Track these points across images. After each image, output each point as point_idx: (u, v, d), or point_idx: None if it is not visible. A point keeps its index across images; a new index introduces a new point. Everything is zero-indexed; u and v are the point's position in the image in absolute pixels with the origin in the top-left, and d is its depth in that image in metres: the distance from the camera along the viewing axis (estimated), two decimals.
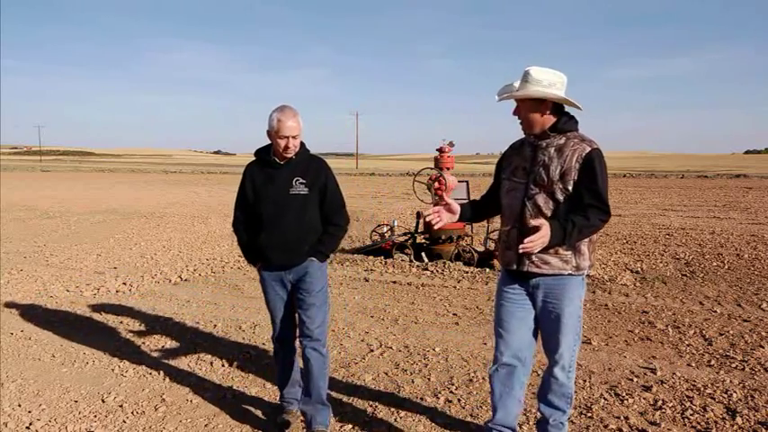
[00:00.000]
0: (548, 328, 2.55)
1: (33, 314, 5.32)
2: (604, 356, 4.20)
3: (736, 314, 5.26)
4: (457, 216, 2.62)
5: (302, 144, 2.97)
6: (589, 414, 3.26)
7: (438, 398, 3.50)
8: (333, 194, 3.03)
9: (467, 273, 6.94)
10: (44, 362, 4.13)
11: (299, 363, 3.16)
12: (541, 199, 2.41)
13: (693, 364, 4.03)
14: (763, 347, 4.35)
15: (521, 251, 2.23)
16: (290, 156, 2.91)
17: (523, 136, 2.57)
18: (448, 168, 8.01)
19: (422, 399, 3.49)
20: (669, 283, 6.53)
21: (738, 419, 3.17)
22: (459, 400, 3.48)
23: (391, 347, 4.42)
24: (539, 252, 2.36)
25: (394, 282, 6.67)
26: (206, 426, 3.18)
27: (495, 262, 7.28)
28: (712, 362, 4.07)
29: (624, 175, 45.48)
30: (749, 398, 3.45)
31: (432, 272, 7.07)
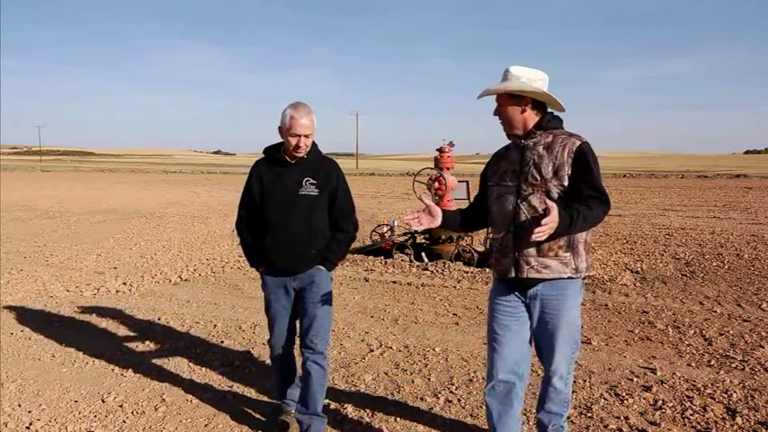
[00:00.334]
0: (546, 338, 2.44)
1: (33, 314, 5.32)
2: (604, 356, 4.20)
3: (736, 314, 5.26)
4: (439, 221, 2.49)
5: (314, 144, 2.86)
6: (589, 414, 3.26)
7: (438, 398, 3.50)
8: (343, 198, 2.92)
9: (467, 273, 6.94)
10: (44, 362, 4.13)
11: (297, 367, 3.12)
12: (536, 199, 2.32)
13: (693, 364, 4.03)
14: (763, 347, 4.35)
15: (533, 239, 2.10)
16: (300, 155, 2.79)
17: (507, 142, 2.49)
18: (448, 168, 8.01)
19: (422, 399, 3.49)
20: (669, 283, 6.54)
21: (738, 419, 3.17)
22: (459, 400, 3.48)
23: (391, 347, 4.42)
24: (538, 256, 2.32)
25: (394, 282, 6.67)
26: (206, 426, 3.18)
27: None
28: (712, 362, 4.07)
29: (624, 175, 45.49)
30: (749, 398, 3.45)
31: (432, 272, 7.07)
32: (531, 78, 2.34)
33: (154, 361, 4.13)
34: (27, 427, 3.16)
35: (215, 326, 4.99)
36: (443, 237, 7.85)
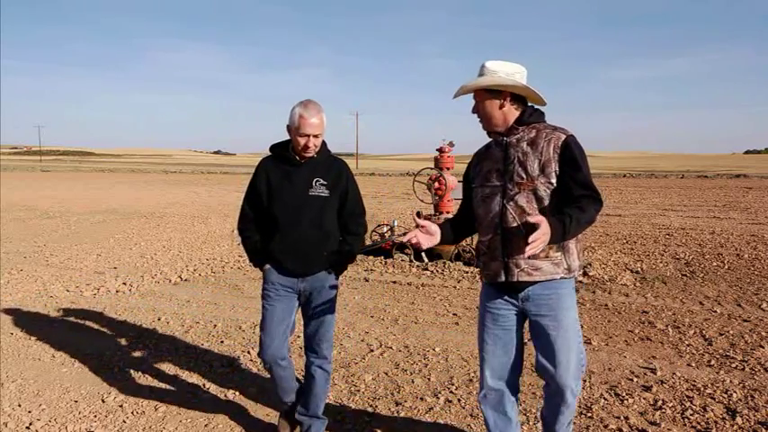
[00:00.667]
0: (546, 345, 2.26)
1: (33, 314, 5.32)
2: (604, 356, 4.20)
3: (736, 314, 5.26)
4: (438, 238, 2.34)
5: (323, 143, 2.77)
6: (589, 414, 3.26)
7: (438, 398, 3.50)
8: (354, 200, 2.85)
9: (467, 273, 6.94)
10: (44, 362, 4.13)
11: (294, 372, 2.99)
12: (523, 199, 2.20)
13: (693, 364, 4.03)
14: (763, 347, 4.35)
15: (527, 254, 1.96)
16: (309, 156, 2.71)
17: (488, 141, 2.39)
18: (448, 168, 8.01)
19: (422, 399, 3.49)
20: (669, 283, 6.53)
21: (738, 419, 3.16)
22: (459, 400, 3.48)
23: (391, 347, 4.42)
24: (527, 258, 2.18)
25: (394, 282, 6.67)
26: (206, 426, 3.18)
27: None
28: (712, 362, 4.07)
29: (624, 175, 45.49)
30: (749, 398, 3.45)
31: (432, 272, 7.07)
32: (508, 72, 2.23)
33: (154, 361, 4.13)
34: (27, 427, 3.16)
35: (215, 326, 4.99)
36: None
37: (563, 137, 2.20)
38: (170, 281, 6.78)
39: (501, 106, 2.25)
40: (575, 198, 2.16)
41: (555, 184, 2.18)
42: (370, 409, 3.35)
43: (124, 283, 6.58)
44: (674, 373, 3.84)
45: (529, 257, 2.19)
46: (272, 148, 2.86)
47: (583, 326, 4.73)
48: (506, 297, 2.31)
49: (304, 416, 2.94)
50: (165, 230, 11.43)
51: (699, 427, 3.11)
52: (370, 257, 7.87)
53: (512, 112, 2.27)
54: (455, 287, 6.36)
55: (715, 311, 5.35)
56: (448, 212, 7.93)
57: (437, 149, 8.01)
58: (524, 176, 2.20)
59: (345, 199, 2.81)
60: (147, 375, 3.86)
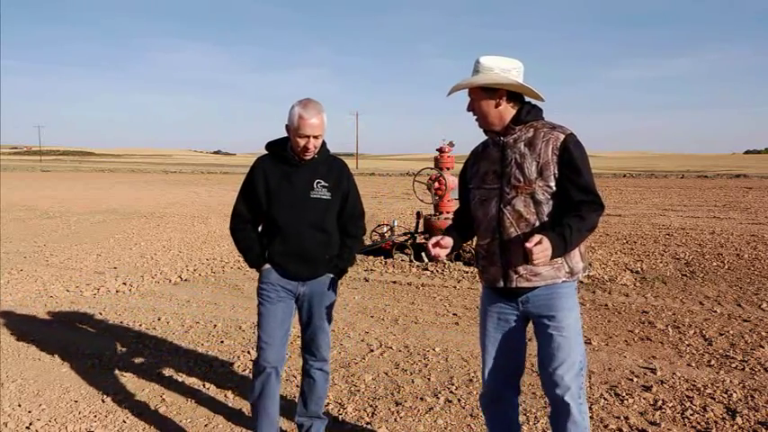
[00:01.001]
0: (547, 347, 2.19)
1: (33, 314, 5.32)
2: (604, 356, 4.20)
3: (736, 314, 5.26)
4: (450, 248, 2.29)
5: (323, 143, 2.67)
6: (589, 414, 3.26)
7: (438, 398, 3.50)
8: (354, 202, 2.77)
9: (467, 273, 6.94)
10: (44, 362, 4.13)
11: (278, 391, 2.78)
12: (520, 203, 2.12)
13: (693, 364, 4.03)
14: (763, 347, 4.35)
15: (534, 264, 1.92)
16: (309, 157, 2.61)
17: (484, 138, 2.31)
18: (448, 168, 8.01)
19: (422, 399, 3.49)
20: (669, 283, 6.54)
21: (738, 419, 3.17)
22: (459, 400, 3.48)
23: (391, 347, 4.42)
24: (526, 263, 2.09)
25: (394, 282, 6.67)
26: (206, 426, 3.18)
27: None
28: (712, 362, 4.07)
29: (624, 175, 45.49)
30: (749, 398, 3.45)
31: (432, 272, 7.07)
32: (503, 68, 2.13)
33: (154, 361, 4.13)
34: (27, 427, 3.16)
35: (215, 326, 4.99)
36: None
37: (562, 137, 2.10)
38: (170, 281, 6.78)
39: (497, 105, 2.16)
40: (574, 204, 2.09)
41: (554, 188, 2.10)
42: (370, 409, 3.35)
43: (124, 283, 6.58)
44: (674, 373, 3.84)
45: (527, 263, 2.09)
46: (269, 146, 2.73)
47: (583, 326, 4.72)
48: (506, 300, 2.25)
49: (304, 416, 2.92)
50: (165, 230, 11.43)
51: (699, 427, 3.11)
52: (370, 257, 7.87)
53: (508, 111, 2.18)
54: (455, 287, 6.36)
55: (715, 311, 5.35)
56: (448, 212, 7.93)
57: (437, 149, 8.01)
58: (522, 180, 2.12)
59: (346, 201, 2.73)
60: (147, 375, 3.86)
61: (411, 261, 7.63)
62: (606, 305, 5.59)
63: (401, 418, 3.25)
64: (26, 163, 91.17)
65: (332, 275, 2.76)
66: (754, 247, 9.02)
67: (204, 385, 3.70)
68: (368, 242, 8.90)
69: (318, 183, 2.64)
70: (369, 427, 3.16)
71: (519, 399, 2.45)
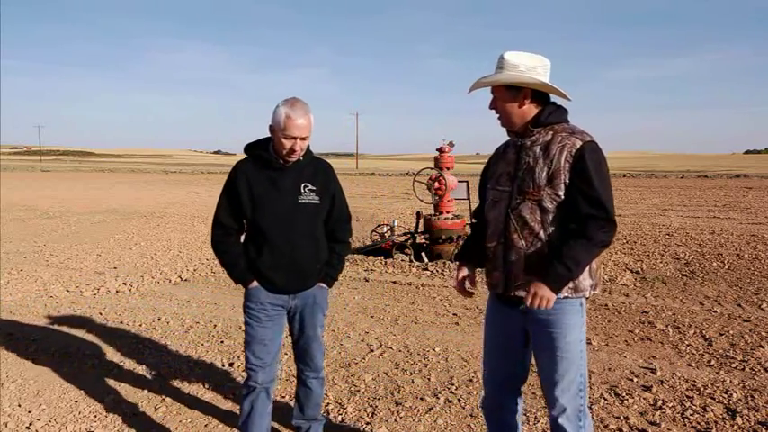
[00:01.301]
0: (544, 363, 2.14)
1: (33, 314, 5.32)
2: (604, 356, 4.20)
3: (736, 314, 5.26)
4: (469, 275, 2.35)
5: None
6: (590, 415, 3.26)
7: (438, 398, 3.50)
8: (341, 205, 2.65)
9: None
10: (44, 362, 4.12)
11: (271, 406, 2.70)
12: (527, 209, 2.03)
13: (693, 364, 4.03)
14: (763, 347, 4.35)
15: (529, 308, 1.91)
16: (293, 160, 2.47)
17: (507, 138, 2.22)
18: (448, 168, 8.02)
19: (422, 399, 3.49)
20: (669, 283, 6.54)
21: (738, 419, 3.17)
22: (459, 400, 3.48)
23: (391, 347, 4.42)
24: (527, 274, 2.05)
25: (394, 282, 6.67)
26: (206, 426, 3.18)
27: None
28: (712, 362, 4.07)
29: (624, 175, 45.48)
30: (749, 398, 3.45)
31: (432, 272, 7.07)
32: (529, 66, 2.03)
33: (154, 361, 4.13)
34: (27, 427, 3.16)
35: (215, 326, 4.99)
36: (443, 237, 7.86)
37: (578, 144, 1.98)
38: (170, 281, 6.78)
39: (520, 105, 2.07)
40: (580, 218, 1.97)
41: (562, 197, 1.99)
42: (370, 409, 3.35)
43: (124, 283, 6.58)
44: (674, 373, 3.84)
45: (528, 273, 2.05)
46: (249, 148, 2.55)
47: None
48: (509, 308, 2.19)
49: (301, 419, 2.88)
50: (165, 230, 11.43)
51: (699, 427, 3.12)
52: (370, 257, 7.86)
53: (531, 111, 2.08)
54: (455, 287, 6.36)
55: (715, 311, 5.35)
56: (448, 212, 7.93)
57: (437, 149, 8.01)
58: (531, 185, 2.03)
59: (333, 204, 2.60)
60: (146, 375, 3.86)
61: (411, 261, 7.63)
62: (606, 305, 5.59)
63: (401, 418, 3.25)
64: (26, 163, 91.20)
65: (323, 285, 2.64)
66: (754, 247, 9.02)
67: (204, 385, 3.70)
68: (368, 242, 8.91)
69: (306, 186, 2.49)
70: (369, 427, 3.16)
71: (520, 404, 2.40)
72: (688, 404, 3.37)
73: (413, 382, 3.76)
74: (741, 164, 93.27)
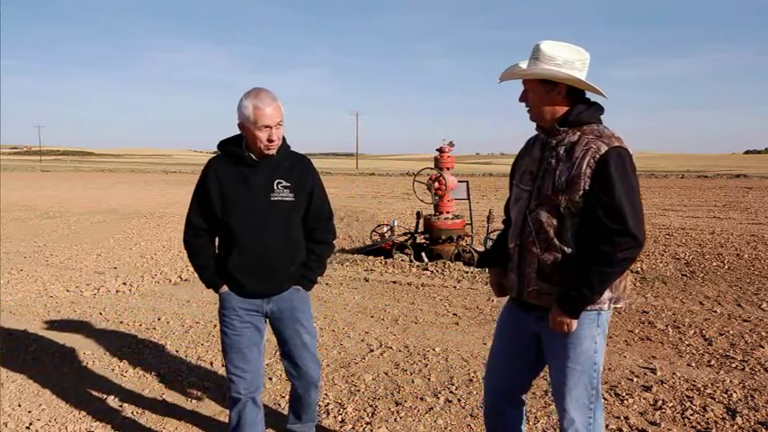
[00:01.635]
0: (555, 372, 2.06)
1: (33, 314, 5.32)
2: (604, 356, 4.19)
3: (736, 314, 5.26)
4: (501, 276, 2.22)
5: (283, 138, 2.39)
6: None
7: (438, 398, 3.50)
8: (319, 203, 2.47)
9: (467, 273, 6.94)
10: (44, 362, 4.12)
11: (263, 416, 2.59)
12: (544, 212, 1.92)
13: (693, 364, 4.03)
14: (763, 347, 4.35)
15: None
16: (272, 151, 2.32)
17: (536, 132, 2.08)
18: (448, 168, 8.01)
19: (422, 399, 3.49)
20: (669, 283, 6.54)
21: (738, 419, 3.17)
22: (459, 400, 3.48)
23: (391, 347, 4.42)
24: (540, 280, 1.97)
25: (394, 282, 6.67)
26: (206, 426, 3.17)
27: None
28: (712, 362, 4.07)
29: None
30: (749, 398, 3.45)
31: (432, 272, 7.07)
32: (567, 60, 1.88)
33: (154, 361, 4.13)
34: (27, 427, 3.17)
35: (215, 326, 4.98)
36: (443, 237, 7.86)
37: (603, 149, 1.82)
38: (170, 281, 6.78)
39: (553, 101, 1.93)
40: (600, 233, 1.82)
41: (580, 204, 1.85)
42: (370, 409, 3.35)
43: (124, 283, 6.58)
44: (674, 373, 3.84)
45: (540, 279, 1.97)
46: (222, 144, 2.43)
47: None
48: (523, 312, 2.11)
49: (295, 424, 2.81)
50: (165, 230, 11.43)
51: (699, 427, 3.12)
52: (370, 257, 7.86)
53: (563, 108, 1.94)
54: (455, 287, 6.36)
55: (715, 311, 5.35)
56: (448, 212, 7.92)
57: (437, 149, 8.01)
58: (550, 188, 1.91)
59: (311, 202, 2.43)
60: (146, 375, 3.86)
61: (411, 261, 7.63)
62: None
63: (401, 418, 3.25)
64: (26, 163, 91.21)
65: (298, 288, 2.49)
66: (754, 247, 9.02)
67: (204, 385, 3.70)
68: (368, 242, 8.91)
69: (279, 183, 2.35)
70: (369, 427, 3.16)
71: (523, 411, 2.32)
72: (688, 404, 3.37)
73: (413, 382, 3.76)
74: (741, 164, 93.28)
